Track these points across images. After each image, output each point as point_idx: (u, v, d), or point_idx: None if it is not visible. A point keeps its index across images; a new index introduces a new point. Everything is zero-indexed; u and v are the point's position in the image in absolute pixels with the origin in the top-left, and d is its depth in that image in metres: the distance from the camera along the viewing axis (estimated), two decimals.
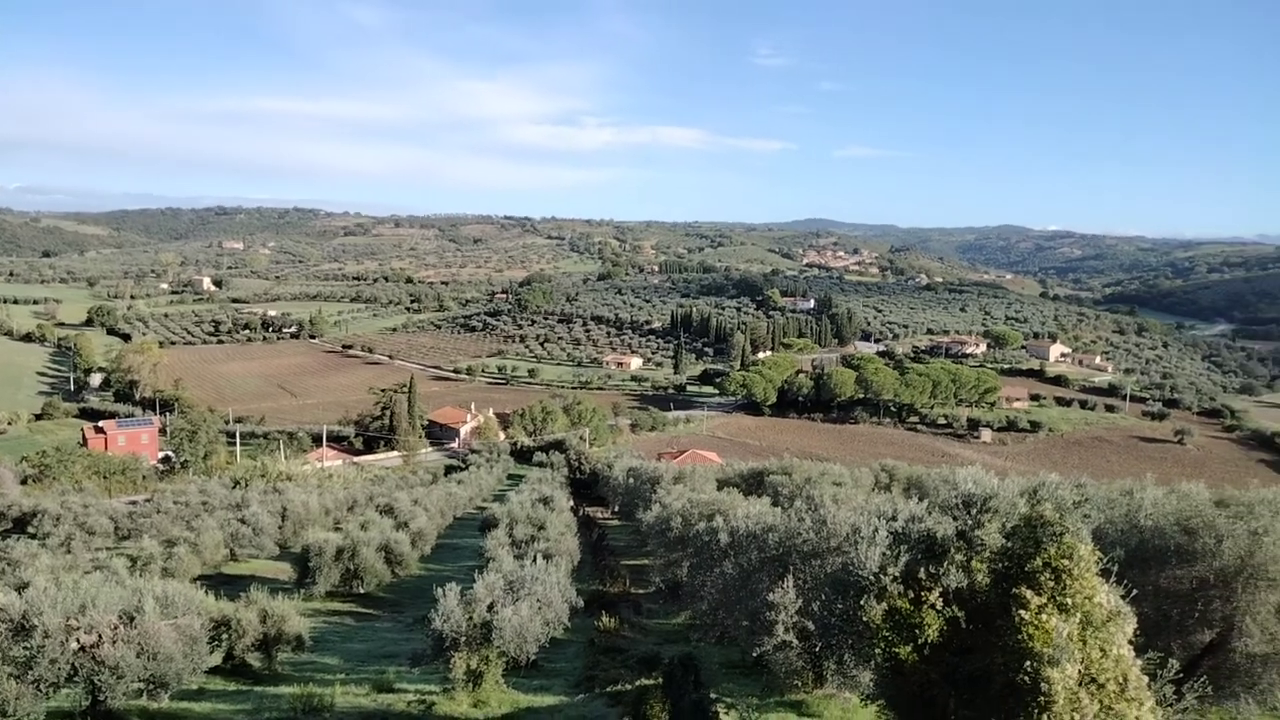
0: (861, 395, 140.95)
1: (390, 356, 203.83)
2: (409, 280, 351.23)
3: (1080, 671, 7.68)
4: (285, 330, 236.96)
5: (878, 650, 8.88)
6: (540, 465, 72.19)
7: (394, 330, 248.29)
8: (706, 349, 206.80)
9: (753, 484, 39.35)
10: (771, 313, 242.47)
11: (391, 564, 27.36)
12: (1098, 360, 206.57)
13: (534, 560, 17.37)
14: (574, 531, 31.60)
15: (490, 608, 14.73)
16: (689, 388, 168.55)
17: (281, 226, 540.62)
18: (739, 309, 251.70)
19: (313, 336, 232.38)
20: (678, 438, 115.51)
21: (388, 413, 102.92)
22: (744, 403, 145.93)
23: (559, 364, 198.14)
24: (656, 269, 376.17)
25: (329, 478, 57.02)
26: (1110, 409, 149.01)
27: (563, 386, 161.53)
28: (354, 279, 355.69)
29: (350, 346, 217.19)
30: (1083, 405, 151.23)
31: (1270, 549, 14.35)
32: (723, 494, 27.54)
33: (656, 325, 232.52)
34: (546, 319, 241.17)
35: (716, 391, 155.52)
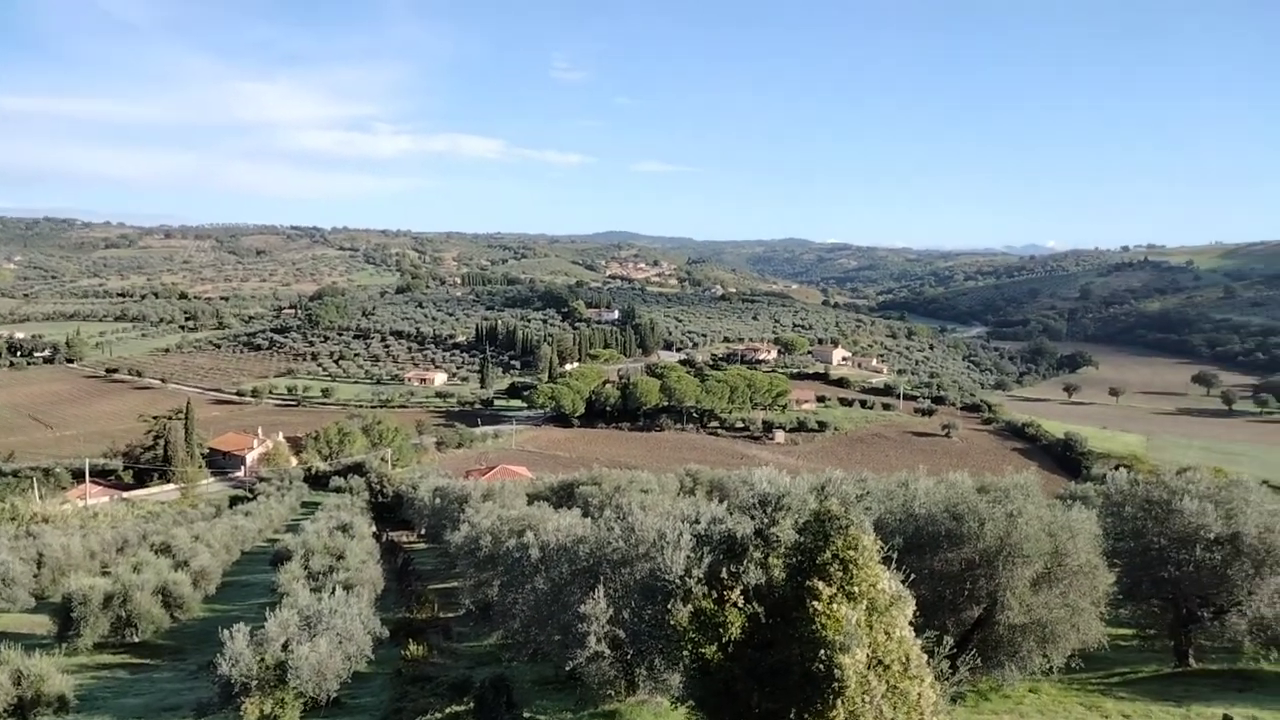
0: (666, 403, 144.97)
1: (163, 380, 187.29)
2: (183, 296, 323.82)
3: (868, 655, 8.23)
4: (37, 354, 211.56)
5: (685, 652, 9.10)
6: (338, 490, 68.89)
7: (167, 351, 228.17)
8: (513, 362, 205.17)
9: (563, 496, 39.43)
10: (577, 324, 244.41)
11: (171, 607, 25.08)
12: (874, 362, 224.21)
13: (333, 592, 16.48)
14: (377, 558, 30.38)
15: (285, 646, 13.82)
16: (496, 402, 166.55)
17: (30, 238, 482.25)
18: (545, 321, 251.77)
19: (70, 360, 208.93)
20: (486, 453, 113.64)
21: (161, 442, 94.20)
22: (553, 415, 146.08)
23: (356, 382, 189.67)
24: (459, 281, 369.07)
25: (94, 517, 51.42)
26: (887, 407, 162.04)
27: (361, 406, 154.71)
28: (119, 296, 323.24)
29: (116, 370, 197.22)
30: (863, 404, 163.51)
31: (1024, 529, 16.09)
32: (533, 508, 27.37)
33: (461, 339, 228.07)
34: (341, 335, 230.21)
35: (525, 405, 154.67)
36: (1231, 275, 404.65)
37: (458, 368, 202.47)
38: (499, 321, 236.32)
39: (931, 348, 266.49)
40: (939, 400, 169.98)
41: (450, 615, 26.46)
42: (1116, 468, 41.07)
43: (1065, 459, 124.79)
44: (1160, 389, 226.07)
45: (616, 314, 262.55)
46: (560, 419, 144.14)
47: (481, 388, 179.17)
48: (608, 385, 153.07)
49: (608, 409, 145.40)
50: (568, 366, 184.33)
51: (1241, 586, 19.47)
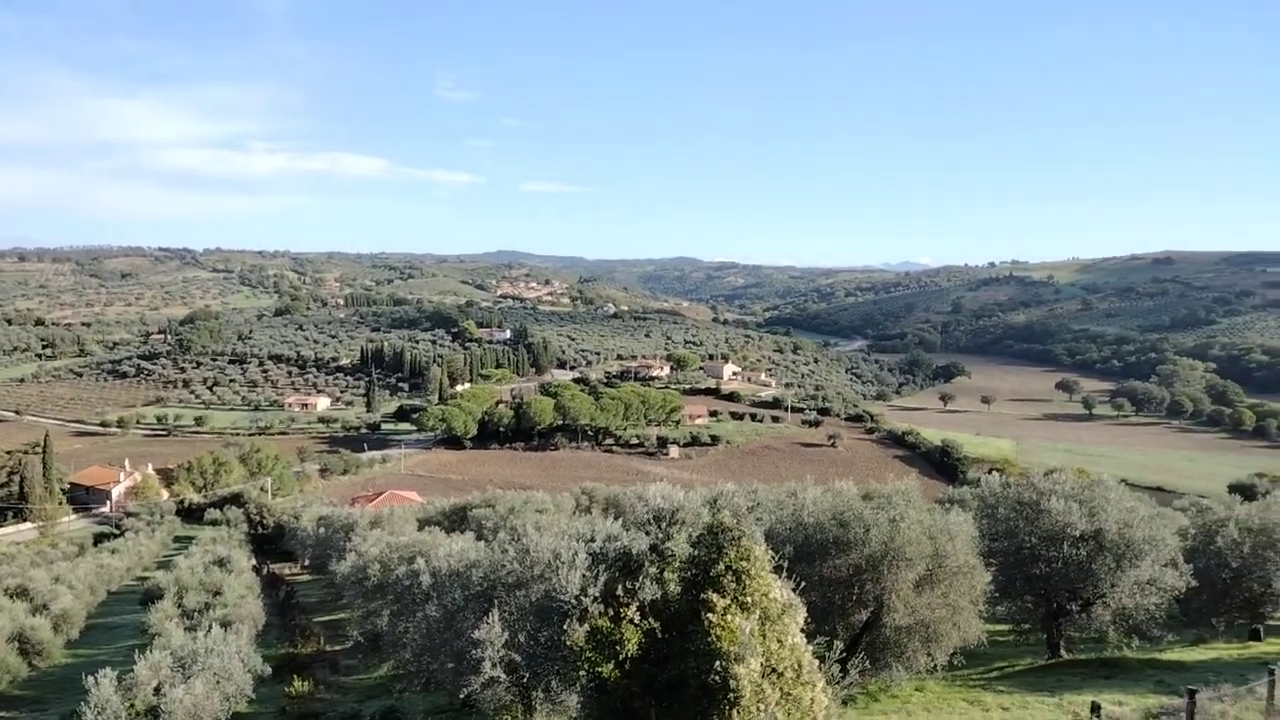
0: (561, 421, 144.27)
1: (18, 412, 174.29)
2: (40, 322, 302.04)
3: (762, 664, 8.35)
4: None
5: (582, 672, 9.01)
6: (214, 524, 65.70)
7: (22, 381, 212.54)
8: (401, 384, 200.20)
9: (456, 520, 38.70)
10: (468, 344, 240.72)
11: (28, 654, 23.31)
12: (763, 377, 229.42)
13: (209, 630, 15.61)
14: (257, 593, 29.13)
15: (157, 690, 13.00)
16: (384, 426, 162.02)
17: None
18: (434, 341, 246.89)
19: None
20: (374, 479, 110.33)
21: (17, 478, 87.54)
22: (444, 437, 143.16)
23: (233, 409, 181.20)
24: (342, 302, 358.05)
25: None
26: (776, 419, 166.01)
27: (238, 434, 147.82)
28: None
29: None
30: (753, 418, 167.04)
31: (906, 533, 16.73)
32: (424, 534, 26.76)
33: (345, 362, 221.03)
34: (215, 360, 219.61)
35: (414, 428, 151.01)
36: (1087, 289, 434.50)
37: (342, 391, 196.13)
38: (385, 343, 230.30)
39: (816, 361, 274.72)
40: (824, 412, 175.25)
41: (337, 648, 25.57)
42: (990, 472, 43.23)
43: (943, 465, 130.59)
44: (1027, 396, 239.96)
45: (508, 333, 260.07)
46: (452, 441, 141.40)
47: (368, 411, 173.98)
48: (501, 405, 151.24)
49: (501, 429, 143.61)
50: (459, 388, 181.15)
51: (1105, 580, 20.78)
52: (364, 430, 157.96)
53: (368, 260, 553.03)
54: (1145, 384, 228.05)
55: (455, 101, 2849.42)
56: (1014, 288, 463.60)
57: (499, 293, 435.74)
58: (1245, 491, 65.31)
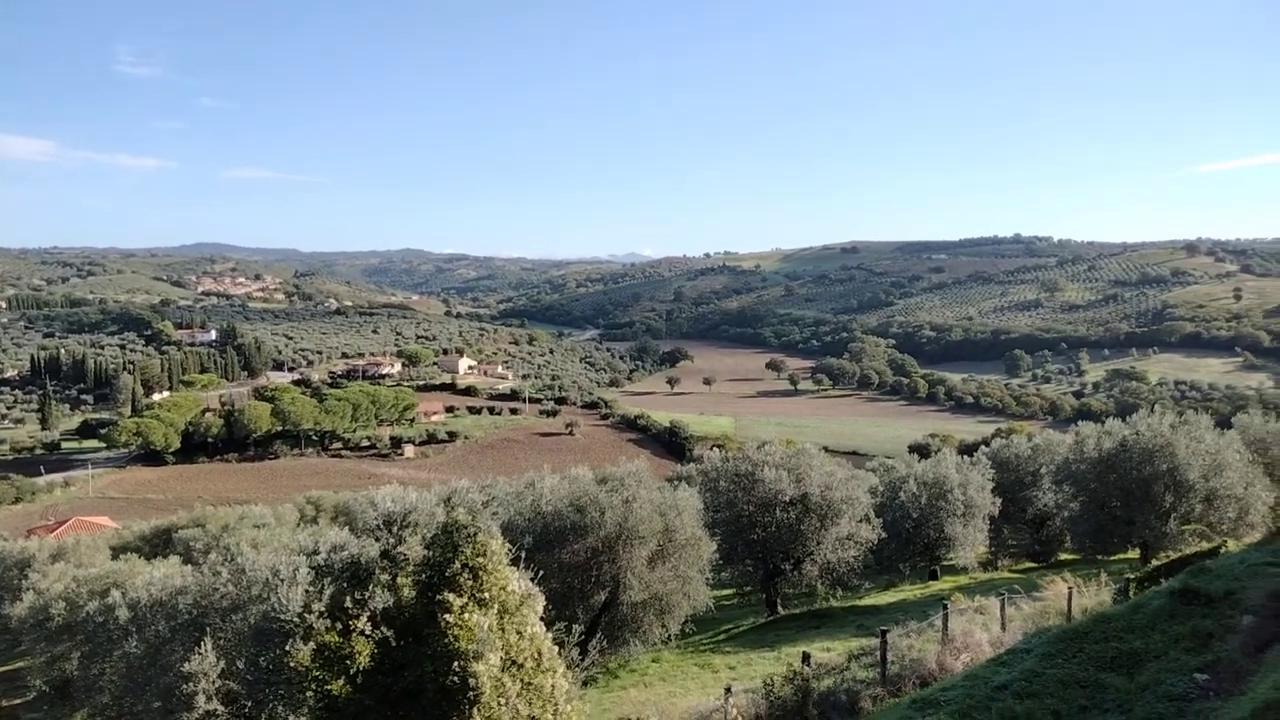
0: (280, 428, 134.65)
1: None
2: None
3: (502, 658, 8.30)
4: None
5: (309, 692, 8.46)
6: None
7: None
8: (85, 396, 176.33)
9: (159, 544, 35.18)
10: (165, 348, 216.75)
11: None
12: (500, 369, 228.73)
13: None
14: None
15: None
16: (65, 444, 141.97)
17: None
18: (124, 346, 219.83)
19: None
20: (55, 506, 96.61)
21: None
22: (141, 453, 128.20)
23: None
24: (4, 305, 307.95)
25: None
26: (515, 411, 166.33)
27: None
28: None
29: None
30: (492, 411, 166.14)
31: (639, 512, 17.45)
32: (120, 563, 23.87)
33: (11, 374, 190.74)
34: None
35: (104, 444, 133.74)
36: (789, 277, 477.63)
37: (9, 408, 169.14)
38: (62, 350, 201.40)
39: (552, 352, 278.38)
40: (562, 401, 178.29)
41: (17, 701, 22.27)
42: (712, 448, 46.25)
43: (672, 444, 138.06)
44: (743, 375, 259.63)
45: (214, 334, 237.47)
46: (151, 457, 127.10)
47: (43, 429, 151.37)
48: (208, 414, 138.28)
49: (210, 440, 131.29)
50: (156, 397, 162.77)
51: (812, 538, 23.05)
52: (40, 451, 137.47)
53: (35, 256, 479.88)
54: (839, 360, 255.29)
55: (138, 78, 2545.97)
56: (727, 277, 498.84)
57: (201, 289, 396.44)
58: (921, 451, 75.60)
